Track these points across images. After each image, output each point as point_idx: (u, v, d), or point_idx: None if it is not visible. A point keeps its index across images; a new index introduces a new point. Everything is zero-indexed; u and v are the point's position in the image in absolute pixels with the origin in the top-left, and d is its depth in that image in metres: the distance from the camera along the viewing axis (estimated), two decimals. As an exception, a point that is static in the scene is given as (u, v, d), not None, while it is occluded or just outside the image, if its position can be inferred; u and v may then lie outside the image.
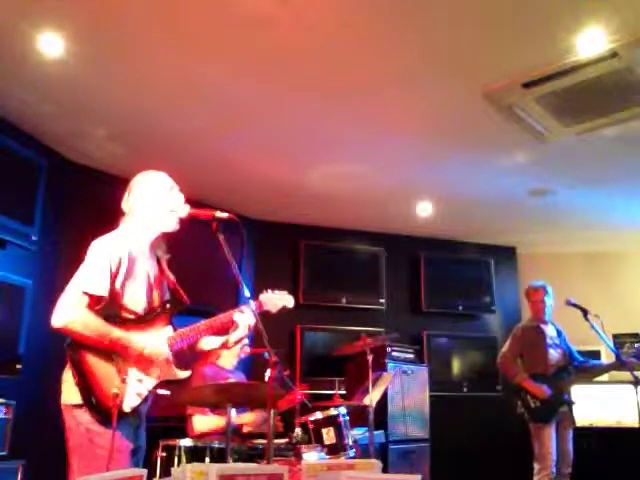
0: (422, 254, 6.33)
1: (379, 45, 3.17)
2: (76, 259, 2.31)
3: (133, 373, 2.28)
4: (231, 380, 3.53)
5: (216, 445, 2.92)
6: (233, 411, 2.69)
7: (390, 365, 4.90)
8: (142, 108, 3.83)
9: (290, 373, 3.89)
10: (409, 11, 2.88)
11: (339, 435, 3.43)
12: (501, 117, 3.81)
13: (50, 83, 3.50)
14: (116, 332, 2.23)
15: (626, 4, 2.80)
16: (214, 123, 4.02)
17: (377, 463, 1.75)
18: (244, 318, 2.50)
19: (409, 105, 3.79)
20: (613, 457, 5.45)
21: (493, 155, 4.48)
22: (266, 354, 2.30)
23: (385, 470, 3.31)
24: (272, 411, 2.32)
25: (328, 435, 3.41)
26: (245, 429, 3.70)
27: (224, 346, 2.61)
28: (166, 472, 2.77)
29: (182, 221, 2.49)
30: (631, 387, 4.26)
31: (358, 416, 4.01)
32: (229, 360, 3.92)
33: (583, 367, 4.53)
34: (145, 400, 2.33)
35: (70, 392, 2.22)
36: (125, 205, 2.49)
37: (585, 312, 4.25)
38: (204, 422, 3.55)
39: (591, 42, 3.04)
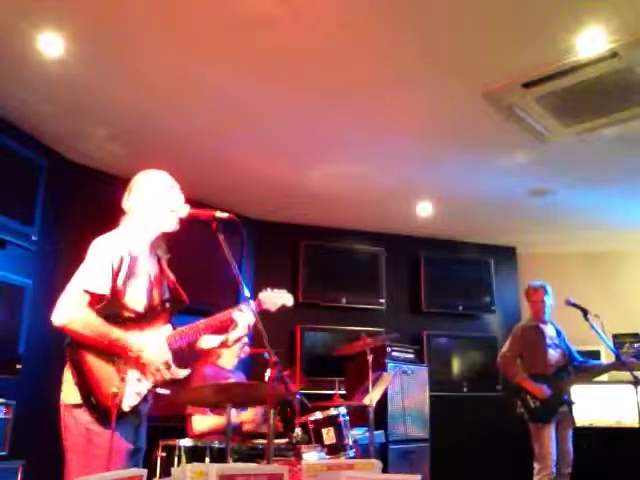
0: (422, 254, 6.33)
1: (379, 45, 3.17)
2: (76, 259, 2.31)
3: (132, 372, 2.28)
4: (231, 380, 3.53)
5: (216, 445, 2.92)
6: (233, 411, 2.68)
7: (390, 365, 4.90)
8: (142, 108, 3.83)
9: (291, 373, 3.88)
10: (409, 11, 2.88)
11: (339, 435, 3.43)
12: (501, 117, 3.82)
13: (50, 83, 3.50)
14: (116, 333, 2.22)
15: (626, 4, 2.80)
16: (214, 123, 4.02)
17: (377, 463, 1.75)
18: (243, 317, 2.50)
19: (409, 105, 3.79)
20: (613, 457, 5.45)
21: (493, 155, 4.48)
22: (266, 354, 2.29)
23: (385, 470, 3.31)
24: (272, 411, 2.32)
25: (328, 435, 3.41)
26: (245, 427, 3.71)
27: (223, 345, 2.61)
28: (166, 472, 2.76)
29: (182, 221, 2.49)
30: (631, 387, 4.26)
31: (358, 416, 4.01)
32: (229, 360, 3.92)
33: (583, 367, 4.53)
34: (145, 399, 2.33)
35: (69, 392, 2.22)
36: (126, 204, 2.49)
37: (585, 312, 4.25)
38: (203, 422, 3.55)
39: (591, 42, 3.04)
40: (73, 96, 3.67)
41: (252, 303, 2.50)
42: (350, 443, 3.47)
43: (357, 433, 3.87)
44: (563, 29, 2.98)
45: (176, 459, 2.84)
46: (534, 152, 4.34)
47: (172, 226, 2.49)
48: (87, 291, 2.22)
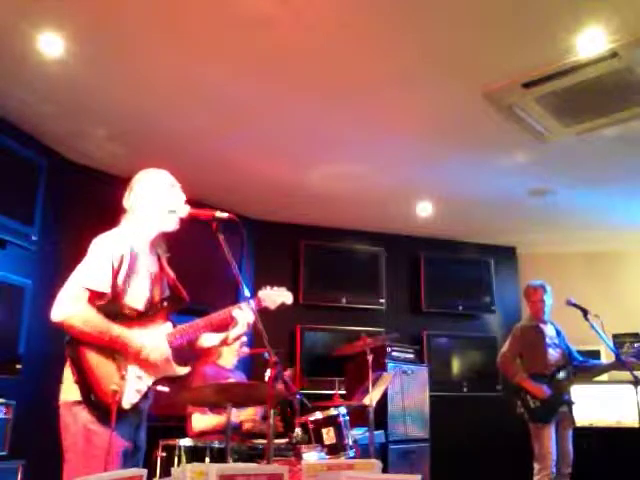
0: (422, 254, 6.33)
1: (379, 45, 3.17)
2: (76, 259, 2.31)
3: (132, 370, 2.28)
4: (231, 380, 3.53)
5: (216, 445, 2.92)
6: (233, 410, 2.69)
7: (390, 365, 4.90)
8: (142, 108, 3.84)
9: (291, 373, 3.88)
10: (409, 11, 2.88)
11: (339, 435, 3.43)
12: (501, 117, 3.82)
13: (50, 83, 3.50)
14: (116, 329, 2.23)
15: (626, 4, 2.80)
16: (214, 123, 4.02)
17: (377, 463, 1.75)
18: (243, 315, 2.50)
19: (409, 105, 3.79)
20: (613, 457, 5.45)
21: (493, 155, 4.48)
22: (266, 354, 2.30)
23: (385, 470, 3.31)
24: (272, 411, 2.32)
25: (328, 435, 3.41)
26: (245, 426, 3.71)
27: (224, 342, 2.62)
28: (166, 472, 2.77)
29: (182, 221, 2.50)
30: (631, 387, 4.26)
31: (358, 416, 4.01)
32: (229, 359, 3.93)
33: (582, 367, 4.52)
34: (145, 397, 2.33)
35: (70, 389, 2.21)
36: (126, 203, 2.49)
37: (585, 312, 4.25)
38: (203, 421, 3.55)
39: (591, 42, 3.04)
40: (73, 96, 3.67)
41: (252, 302, 2.51)
42: (350, 443, 3.47)
43: (357, 433, 3.87)
44: (563, 29, 2.98)
45: (176, 459, 2.85)
46: (534, 152, 4.34)
47: (172, 225, 2.49)
48: (87, 288, 2.22)
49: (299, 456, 2.95)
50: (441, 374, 6.03)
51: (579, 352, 4.65)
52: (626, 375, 4.15)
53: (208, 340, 2.60)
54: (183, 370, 2.43)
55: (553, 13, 2.86)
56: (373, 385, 3.93)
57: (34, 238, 3.91)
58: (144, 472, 1.55)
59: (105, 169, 4.63)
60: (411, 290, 6.32)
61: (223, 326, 2.53)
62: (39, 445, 3.50)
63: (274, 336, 2.41)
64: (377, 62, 3.32)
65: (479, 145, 4.33)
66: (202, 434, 3.49)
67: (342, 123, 4.02)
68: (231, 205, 4.76)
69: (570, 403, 4.41)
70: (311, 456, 3.01)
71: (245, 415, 3.69)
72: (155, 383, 2.35)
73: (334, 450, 3.36)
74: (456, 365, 6.29)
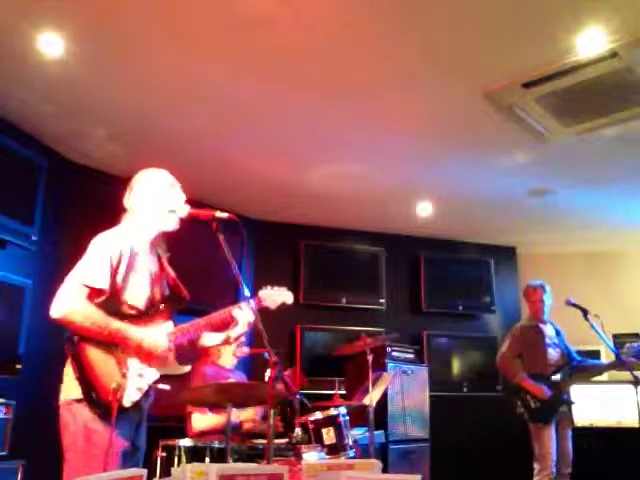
0: (422, 254, 6.33)
1: (379, 45, 3.17)
2: (76, 259, 2.31)
3: (133, 367, 2.28)
4: (231, 380, 3.53)
5: (216, 445, 2.93)
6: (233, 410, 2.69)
7: (390, 365, 4.90)
8: (142, 108, 3.84)
9: (291, 373, 3.88)
10: (409, 11, 2.88)
11: (339, 435, 3.43)
12: (501, 117, 3.81)
13: (50, 83, 3.50)
14: (115, 323, 2.23)
15: (626, 4, 2.80)
16: (214, 123, 4.02)
17: (377, 463, 1.75)
18: (243, 314, 2.51)
19: (409, 105, 3.79)
20: (613, 457, 5.45)
21: (493, 155, 4.48)
22: (266, 354, 2.30)
23: (385, 470, 3.31)
24: (272, 411, 2.32)
25: (328, 435, 3.41)
26: (246, 426, 3.71)
27: (226, 342, 2.63)
28: (166, 472, 2.77)
29: (182, 221, 2.50)
30: (631, 387, 4.26)
31: (358, 416, 4.01)
32: (229, 359, 3.92)
33: (582, 367, 4.52)
34: (146, 395, 2.33)
35: (70, 386, 2.21)
36: (127, 202, 2.50)
37: (585, 312, 4.25)
38: (203, 420, 3.55)
39: (591, 42, 3.04)
40: (73, 96, 3.67)
41: (252, 302, 2.51)
42: (350, 443, 3.47)
43: (357, 433, 3.87)
44: (563, 29, 2.98)
45: (176, 459, 2.85)
46: (534, 152, 4.34)
47: (172, 225, 2.50)
48: (86, 284, 2.22)
49: (299, 456, 2.95)
50: (441, 374, 6.03)
51: (579, 352, 4.66)
52: (626, 375, 4.15)
53: (209, 339, 2.61)
54: (184, 368, 2.43)
55: (553, 13, 2.86)
56: (373, 385, 3.93)
57: (34, 238, 3.91)
58: (144, 472, 1.55)
59: (105, 169, 4.63)
60: (411, 290, 6.32)
61: (223, 326, 2.54)
62: (39, 445, 3.50)
63: (274, 336, 2.41)
64: (377, 62, 3.32)
65: (479, 145, 4.33)
66: (202, 434, 3.49)
67: (342, 123, 4.02)
68: (231, 205, 4.76)
69: (570, 403, 4.41)
70: (311, 456, 3.01)
71: (245, 415, 3.69)
72: (156, 381, 2.35)
73: (334, 450, 3.36)
74: (456, 365, 6.29)
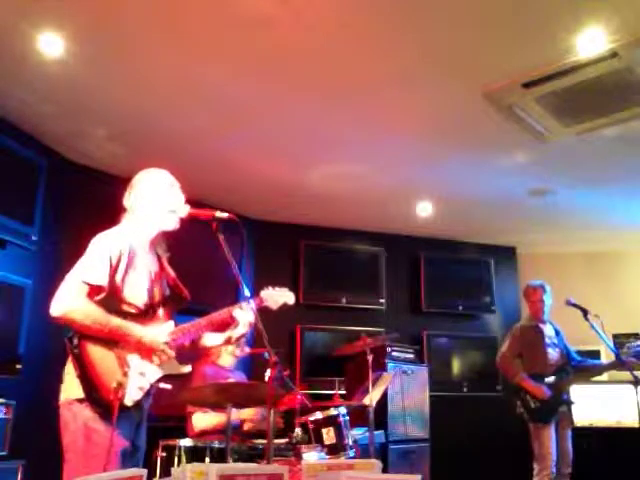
0: (422, 254, 6.33)
1: (379, 45, 3.17)
2: (76, 259, 2.32)
3: (135, 366, 2.28)
4: (231, 380, 3.53)
5: (216, 445, 2.93)
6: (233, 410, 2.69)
7: (390, 365, 4.90)
8: (142, 108, 3.84)
9: (290, 373, 3.88)
10: (409, 11, 2.88)
11: (339, 435, 3.43)
12: (501, 117, 3.81)
13: (50, 83, 3.50)
14: (115, 320, 2.23)
15: (626, 4, 2.80)
16: (214, 123, 4.02)
17: (377, 463, 1.75)
18: (244, 315, 2.51)
19: (409, 105, 3.79)
20: (613, 457, 5.45)
21: (493, 155, 4.48)
22: (266, 354, 2.30)
23: (385, 470, 3.31)
24: (272, 411, 2.32)
25: (328, 435, 3.41)
26: (246, 426, 3.71)
27: (227, 342, 2.63)
28: (166, 472, 2.77)
29: (182, 221, 2.51)
30: (631, 387, 4.27)
31: (358, 416, 4.01)
32: (228, 359, 3.93)
33: (581, 367, 4.53)
34: (147, 394, 2.33)
35: (72, 385, 2.21)
36: (127, 202, 2.51)
37: (585, 312, 4.25)
38: (204, 420, 3.55)
39: (591, 42, 3.04)
40: (73, 96, 3.67)
41: (252, 302, 2.51)
42: (350, 443, 3.47)
43: (357, 433, 3.87)
44: (563, 29, 2.98)
45: (176, 459, 2.85)
46: (534, 152, 4.34)
47: (172, 225, 2.50)
48: (86, 282, 2.23)
49: (299, 456, 2.95)
50: (441, 374, 6.03)
51: (579, 352, 4.66)
52: (626, 375, 4.15)
53: (211, 339, 2.61)
54: (185, 368, 2.43)
55: (553, 13, 2.86)
56: (373, 385, 3.93)
57: (34, 238, 3.91)
58: (144, 472, 1.55)
59: (105, 169, 4.63)
60: (411, 290, 6.32)
61: (223, 326, 2.54)
62: (39, 445, 3.50)
63: (274, 336, 2.41)
64: (377, 62, 3.32)
65: (479, 145, 4.33)
66: (203, 433, 3.50)
67: (342, 123, 4.02)
68: (231, 205, 4.76)
69: (569, 403, 4.41)
70: (311, 456, 3.01)
71: (245, 415, 3.69)
72: (158, 380, 2.35)
73: (334, 450, 3.37)
74: (456, 365, 6.29)
